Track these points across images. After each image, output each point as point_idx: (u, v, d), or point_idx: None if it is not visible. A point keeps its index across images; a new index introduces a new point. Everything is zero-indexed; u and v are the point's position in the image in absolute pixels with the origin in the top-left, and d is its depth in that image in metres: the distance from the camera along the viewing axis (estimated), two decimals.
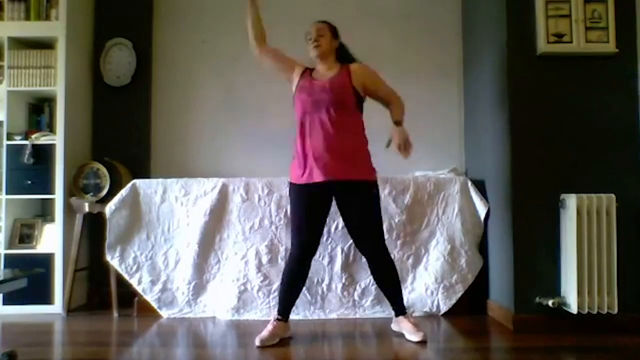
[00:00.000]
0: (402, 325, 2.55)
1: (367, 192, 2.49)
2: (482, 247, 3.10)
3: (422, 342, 2.42)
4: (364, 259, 2.96)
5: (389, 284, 2.56)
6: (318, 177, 2.43)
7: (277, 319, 2.51)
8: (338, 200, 2.53)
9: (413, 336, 2.46)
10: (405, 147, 2.45)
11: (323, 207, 2.54)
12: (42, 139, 3.22)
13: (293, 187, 2.54)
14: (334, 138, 2.43)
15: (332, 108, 2.44)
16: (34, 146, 3.18)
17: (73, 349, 2.53)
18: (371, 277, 2.95)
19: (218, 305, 3.00)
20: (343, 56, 2.64)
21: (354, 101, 2.50)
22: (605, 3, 2.64)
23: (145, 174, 3.49)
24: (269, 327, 2.48)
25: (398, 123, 2.50)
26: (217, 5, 3.68)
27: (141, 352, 2.44)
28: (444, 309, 2.98)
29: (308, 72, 2.61)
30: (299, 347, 2.44)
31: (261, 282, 2.97)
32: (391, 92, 2.60)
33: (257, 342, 2.40)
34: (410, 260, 3.01)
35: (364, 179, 2.48)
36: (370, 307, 2.98)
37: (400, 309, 2.57)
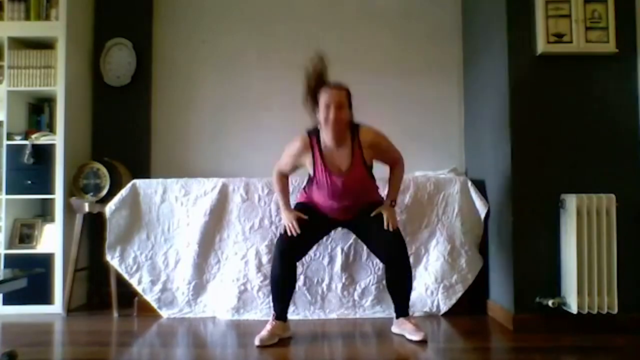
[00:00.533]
0: (403, 327, 2.55)
1: (378, 206, 2.56)
2: (482, 247, 3.10)
3: (423, 342, 2.42)
4: (364, 259, 2.98)
5: (402, 288, 2.58)
6: (333, 216, 2.57)
7: (276, 318, 2.51)
8: (354, 228, 2.64)
9: (414, 336, 2.46)
10: (392, 224, 2.49)
11: (325, 230, 2.66)
12: (42, 139, 3.22)
13: (301, 205, 2.61)
14: (351, 205, 2.52)
15: (352, 195, 2.49)
16: (34, 146, 3.18)
17: (73, 349, 2.53)
18: (371, 277, 2.97)
19: (218, 305, 3.00)
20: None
21: (369, 179, 2.55)
22: (605, 3, 2.64)
23: (145, 174, 3.49)
24: (268, 326, 2.48)
25: (392, 203, 2.56)
26: (217, 5, 3.68)
27: (141, 352, 2.44)
28: (444, 309, 2.98)
29: (317, 152, 2.45)
30: (299, 347, 2.44)
31: (261, 282, 2.96)
32: (398, 154, 2.58)
33: (256, 342, 2.40)
34: (410, 260, 3.01)
35: (373, 200, 2.58)
36: (370, 307, 2.98)
37: (403, 311, 2.58)
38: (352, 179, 2.45)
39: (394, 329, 2.62)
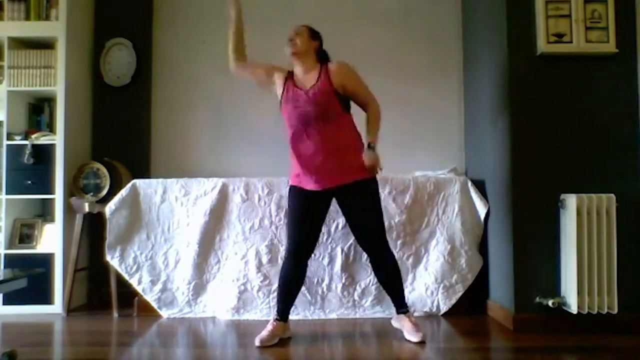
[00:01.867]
0: (402, 324, 2.55)
1: (366, 190, 2.49)
2: (482, 247, 3.10)
3: (421, 343, 2.43)
4: (364, 259, 2.97)
5: (391, 280, 2.55)
6: (314, 185, 2.45)
7: (276, 319, 2.51)
8: (338, 201, 2.53)
9: (412, 336, 2.46)
10: (373, 169, 2.44)
11: (321, 209, 2.54)
12: (42, 139, 3.22)
13: (291, 188, 2.55)
14: (325, 149, 2.42)
15: (318, 119, 2.42)
16: (34, 146, 3.18)
17: (73, 349, 2.53)
18: (371, 277, 2.97)
19: (218, 305, 3.00)
20: (323, 58, 2.60)
21: (339, 105, 2.47)
22: (605, 3, 2.64)
23: (145, 174, 3.49)
24: (269, 327, 2.48)
25: (371, 146, 2.45)
26: (217, 5, 3.67)
27: (141, 352, 2.44)
28: (444, 309, 2.98)
29: (290, 78, 2.56)
30: (299, 347, 2.44)
31: (261, 282, 2.97)
32: (370, 96, 2.54)
33: (256, 342, 2.41)
34: (410, 260, 3.01)
35: (361, 178, 2.46)
36: (370, 307, 2.98)
37: (401, 306, 2.57)
38: (314, 95, 2.43)
39: (393, 322, 2.63)
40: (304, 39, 2.54)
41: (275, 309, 2.56)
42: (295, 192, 2.52)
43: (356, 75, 2.54)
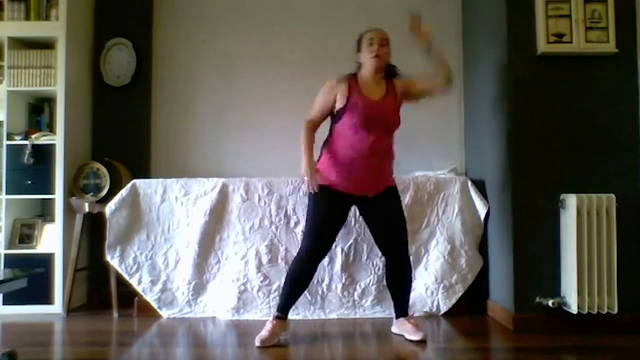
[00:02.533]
0: (402, 327, 2.56)
1: (395, 195, 2.55)
2: (482, 247, 3.11)
3: (422, 342, 2.43)
4: (364, 259, 2.98)
5: (402, 286, 2.58)
6: (353, 188, 2.46)
7: (277, 317, 2.50)
8: (366, 207, 2.54)
9: (413, 336, 2.47)
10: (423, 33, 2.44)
11: (345, 212, 2.56)
12: (42, 139, 3.22)
13: (320, 188, 2.49)
14: (377, 154, 2.45)
15: (382, 129, 2.45)
16: (34, 146, 3.18)
17: (73, 349, 2.53)
18: (371, 277, 2.98)
19: (218, 305, 3.00)
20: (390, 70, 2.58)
21: (399, 120, 2.52)
22: (605, 3, 2.64)
23: (145, 174, 3.49)
24: (268, 326, 2.48)
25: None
26: (217, 5, 3.68)
27: (141, 352, 2.44)
28: (444, 309, 2.98)
29: (354, 83, 2.48)
30: (299, 347, 2.44)
31: (261, 282, 2.97)
32: (424, 75, 2.53)
33: (257, 343, 2.41)
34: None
35: (391, 184, 2.55)
36: (370, 307, 2.98)
37: (403, 311, 2.59)
38: (386, 106, 2.46)
39: (394, 329, 2.62)
40: (388, 51, 2.52)
41: (276, 307, 2.55)
42: (322, 194, 2.47)
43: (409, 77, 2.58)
